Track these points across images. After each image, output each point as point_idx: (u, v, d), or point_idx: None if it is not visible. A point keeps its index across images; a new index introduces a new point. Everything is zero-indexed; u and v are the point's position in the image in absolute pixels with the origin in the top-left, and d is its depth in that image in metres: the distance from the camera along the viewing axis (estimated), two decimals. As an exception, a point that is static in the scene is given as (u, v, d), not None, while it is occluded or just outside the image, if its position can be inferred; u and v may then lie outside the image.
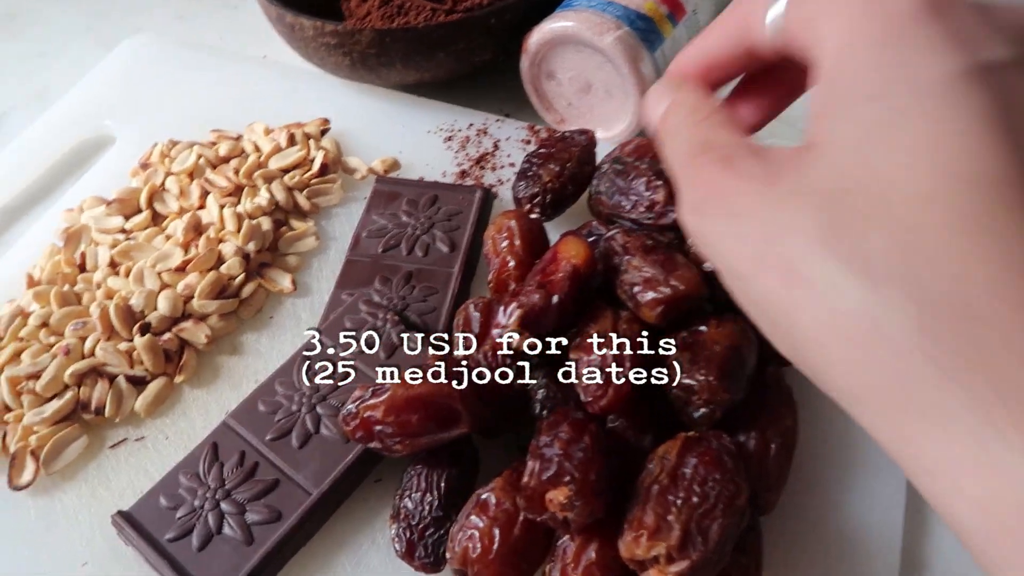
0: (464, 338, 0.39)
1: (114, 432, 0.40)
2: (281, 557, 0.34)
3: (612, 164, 0.43)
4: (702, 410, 0.34)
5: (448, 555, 0.33)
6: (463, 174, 0.51)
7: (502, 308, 0.36)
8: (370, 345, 0.40)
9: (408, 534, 0.34)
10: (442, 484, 0.34)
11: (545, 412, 0.36)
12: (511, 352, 0.36)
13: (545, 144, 0.48)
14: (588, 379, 0.34)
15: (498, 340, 0.36)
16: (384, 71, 0.53)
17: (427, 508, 0.34)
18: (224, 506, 0.35)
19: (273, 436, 0.37)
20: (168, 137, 0.53)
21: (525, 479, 0.31)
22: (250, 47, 0.64)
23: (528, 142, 0.53)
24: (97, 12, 0.70)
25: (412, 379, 0.35)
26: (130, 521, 0.35)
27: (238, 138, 0.52)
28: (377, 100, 0.55)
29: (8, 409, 0.39)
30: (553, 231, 0.44)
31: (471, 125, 0.54)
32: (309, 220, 0.48)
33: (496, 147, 0.52)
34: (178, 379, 0.41)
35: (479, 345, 0.38)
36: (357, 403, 0.35)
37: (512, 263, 0.42)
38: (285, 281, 0.45)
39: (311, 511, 0.35)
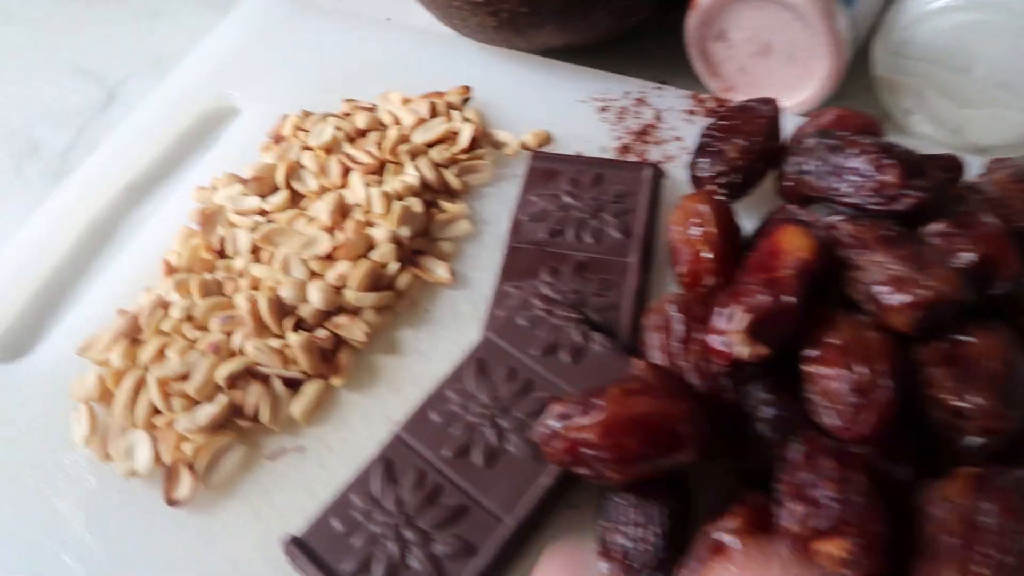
0: (661, 343, 0.34)
1: (270, 441, 0.36)
2: None
3: (820, 139, 0.37)
4: (979, 440, 0.29)
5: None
6: (625, 149, 0.45)
7: (721, 310, 0.31)
8: (552, 348, 0.36)
9: None
10: (665, 520, 0.30)
11: (777, 435, 0.31)
12: (734, 363, 0.31)
13: (723, 116, 0.42)
14: (836, 399, 0.29)
15: (720, 348, 0.31)
16: (532, 32, 0.47)
17: (649, 548, 0.29)
18: (407, 534, 0.31)
19: (452, 453, 0.33)
20: (296, 107, 0.48)
21: (787, 524, 0.26)
22: (372, 9, 0.59)
23: (693, 113, 0.47)
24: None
25: (628, 395, 0.30)
26: (304, 548, 0.31)
27: (372, 108, 0.48)
28: (520, 66, 0.50)
29: (156, 412, 0.36)
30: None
31: (627, 94, 0.48)
32: (460, 201, 0.44)
33: (658, 119, 0.47)
34: (335, 381, 0.37)
35: (684, 352, 0.34)
36: (561, 422, 0.30)
37: (709, 254, 0.37)
38: (442, 270, 0.41)
39: (508, 543, 0.31)
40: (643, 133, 0.46)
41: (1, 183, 0.50)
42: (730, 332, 0.31)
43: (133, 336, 0.39)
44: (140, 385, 0.37)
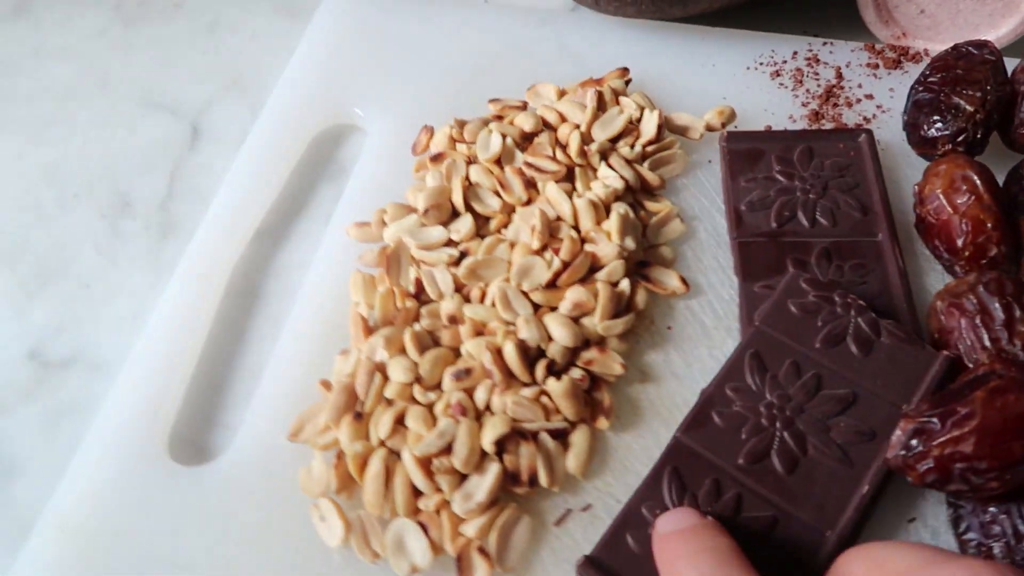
0: (974, 329, 0.31)
1: (550, 504, 0.32)
2: (887, 482, 0.28)
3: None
4: None
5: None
6: (816, 116, 0.42)
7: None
8: (837, 339, 0.32)
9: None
10: None
11: None
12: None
13: (937, 66, 0.39)
14: None
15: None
16: (692, -4, 0.42)
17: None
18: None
19: (747, 460, 0.30)
20: (423, 116, 0.43)
21: None
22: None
23: (875, 66, 0.43)
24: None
25: (996, 394, 0.27)
26: (600, 568, 0.28)
27: (523, 106, 0.43)
28: (669, 39, 0.45)
29: (417, 495, 0.31)
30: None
31: (795, 54, 0.44)
32: (662, 199, 0.39)
33: (839, 77, 0.43)
34: (602, 424, 0.33)
35: (1010, 337, 0.30)
36: (921, 439, 0.27)
37: (989, 223, 0.33)
38: (673, 280, 0.36)
39: (832, 559, 0.27)
40: (829, 96, 0.42)
41: (102, 251, 0.43)
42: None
43: (354, 409, 0.33)
44: (388, 467, 0.32)
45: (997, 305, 0.31)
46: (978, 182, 0.34)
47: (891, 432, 0.29)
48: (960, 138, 0.37)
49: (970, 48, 0.38)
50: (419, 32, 0.48)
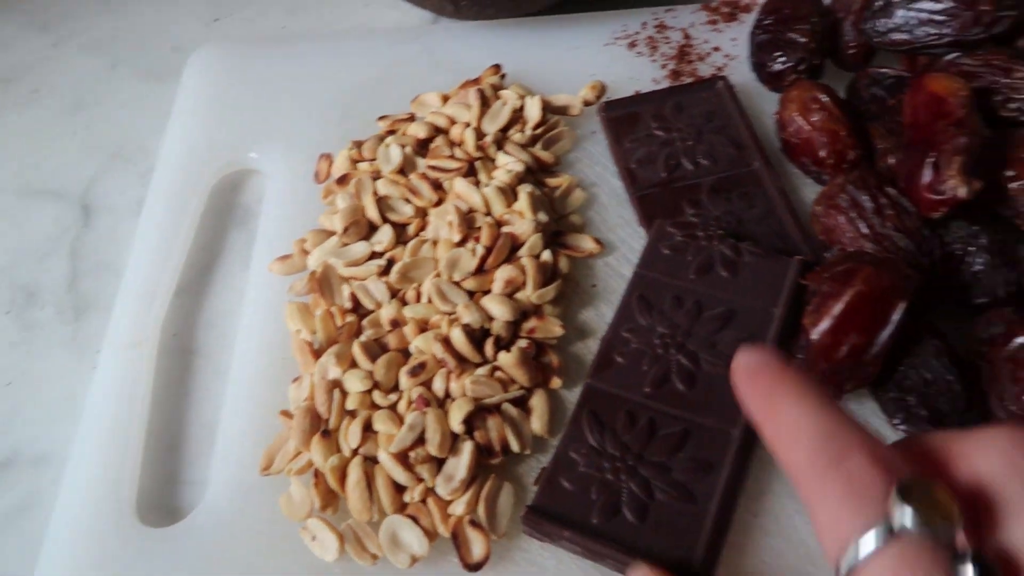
0: (852, 223, 0.35)
1: (526, 466, 0.34)
2: (730, 508, 0.30)
3: (889, -5, 0.39)
4: None
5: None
6: (675, 74, 0.46)
7: (926, 163, 0.33)
8: (707, 267, 0.36)
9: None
10: (946, 362, 0.31)
11: (997, 259, 0.33)
12: (952, 206, 0.32)
13: (767, 9, 0.44)
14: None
15: (937, 198, 0.32)
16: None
17: (950, 396, 0.31)
18: (643, 471, 0.31)
19: (651, 387, 0.33)
20: (315, 147, 0.44)
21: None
22: (323, 23, 0.55)
23: (715, 22, 0.48)
24: (99, 47, 0.57)
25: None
26: (547, 514, 0.30)
27: (411, 117, 0.45)
28: (531, 31, 0.49)
29: (400, 491, 0.32)
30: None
31: (644, 25, 0.48)
32: (560, 174, 0.42)
33: (687, 37, 0.47)
34: (555, 384, 0.35)
35: (882, 221, 0.35)
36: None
37: (842, 132, 0.38)
38: (588, 243, 0.39)
39: (742, 451, 0.31)
40: (682, 55, 0.46)
41: (16, 345, 0.42)
42: (946, 178, 0.32)
43: (320, 429, 0.34)
44: (367, 472, 0.33)
45: (865, 197, 0.35)
46: (826, 99, 0.39)
47: (767, 334, 0.33)
48: (801, 67, 0.41)
49: (789, -11, 0.44)
50: (293, 70, 0.49)
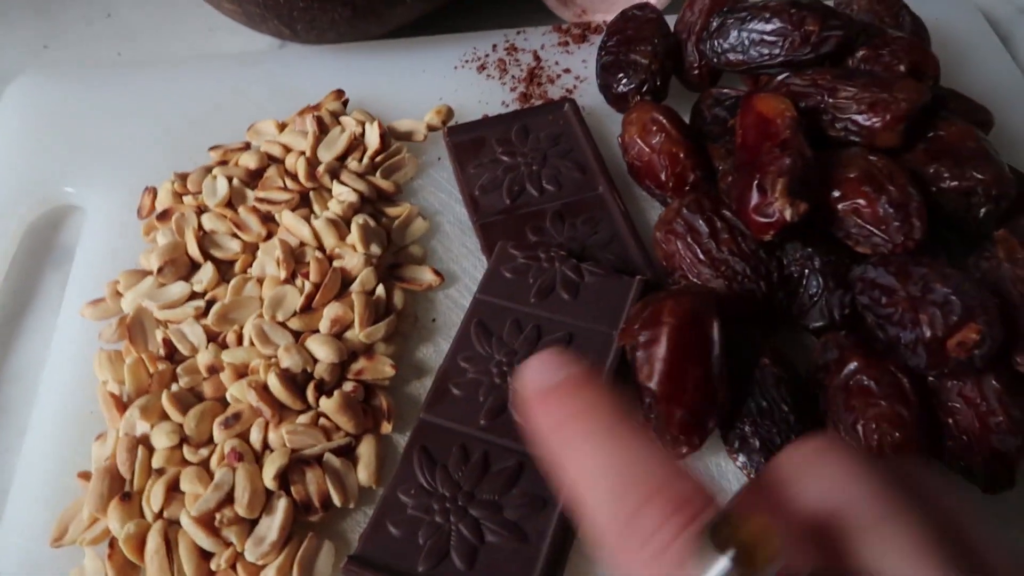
0: (688, 247, 0.34)
1: (351, 521, 0.31)
2: (565, 546, 0.29)
3: (726, 17, 0.39)
4: (991, 206, 0.32)
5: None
6: (524, 97, 0.44)
7: (753, 185, 0.32)
8: (548, 290, 0.34)
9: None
10: (783, 391, 0.30)
11: (830, 280, 0.33)
12: (781, 228, 0.32)
13: (611, 31, 0.43)
14: (878, 221, 0.32)
15: (764, 220, 0.32)
16: (389, 11, 0.44)
17: (783, 426, 0.30)
18: (474, 512, 0.29)
19: (488, 418, 0.31)
20: (140, 181, 0.41)
21: (926, 333, 0.28)
22: (163, 51, 0.51)
23: (566, 44, 0.47)
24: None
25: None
26: (370, 564, 0.28)
27: (246, 146, 0.42)
28: (377, 54, 0.47)
29: (207, 557, 0.29)
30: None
31: (495, 47, 0.47)
32: (401, 202, 0.40)
33: (537, 59, 0.46)
34: (386, 428, 0.33)
35: (717, 245, 0.34)
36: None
37: (681, 154, 0.37)
38: (427, 275, 0.37)
39: None
40: (532, 77, 0.45)
41: None
42: (772, 200, 0.31)
43: (120, 491, 0.31)
44: (169, 539, 0.29)
45: (700, 222, 0.34)
46: (665, 121, 0.38)
47: (607, 356, 0.32)
48: (644, 88, 0.41)
49: (635, 11, 0.43)
50: (123, 99, 0.46)
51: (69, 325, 0.37)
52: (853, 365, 0.30)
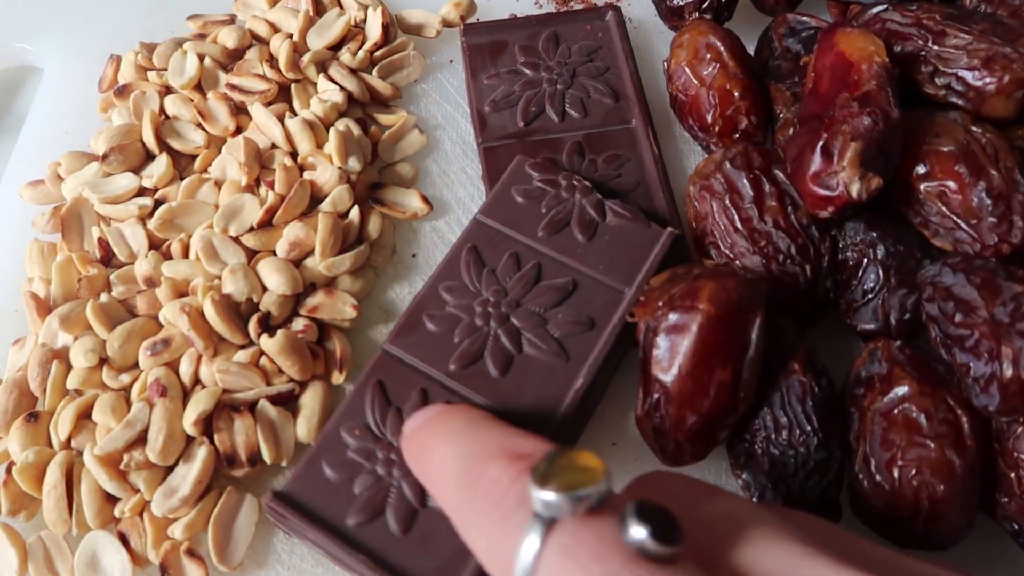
0: (724, 209, 0.28)
1: (284, 479, 0.27)
2: None
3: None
4: None
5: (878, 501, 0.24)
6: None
7: (817, 146, 0.25)
8: (561, 225, 0.29)
9: (782, 489, 0.25)
10: (809, 406, 0.24)
11: (894, 276, 0.27)
12: (844, 207, 0.25)
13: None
14: (970, 214, 0.25)
15: (827, 194, 0.25)
16: None
17: (802, 449, 0.24)
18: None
19: (459, 364, 0.26)
20: (114, 46, 0.35)
21: (1007, 372, 0.22)
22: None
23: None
24: None
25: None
26: (296, 506, 0.23)
27: (230, 20, 0.36)
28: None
29: (109, 500, 0.26)
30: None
31: (536, -70, 0.39)
32: (397, 109, 0.34)
33: (586, -47, 0.39)
34: (336, 379, 0.28)
35: (760, 213, 0.28)
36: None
37: (736, 92, 0.30)
38: (414, 201, 0.32)
39: None
40: (577, -26, 0.38)
41: None
42: (837, 169, 0.25)
43: (27, 410, 0.27)
44: (72, 473, 0.26)
45: (745, 181, 0.28)
46: (722, 48, 0.31)
47: (610, 319, 0.26)
48: (705, 4, 0.33)
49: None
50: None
51: (6, 205, 0.32)
52: (903, 389, 0.24)
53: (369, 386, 0.26)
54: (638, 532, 0.15)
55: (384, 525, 0.23)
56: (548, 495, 0.16)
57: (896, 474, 0.23)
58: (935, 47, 0.27)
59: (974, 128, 0.26)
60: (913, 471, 0.23)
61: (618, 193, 0.31)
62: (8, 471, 0.26)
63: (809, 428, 0.25)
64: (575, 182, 0.29)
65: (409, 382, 0.26)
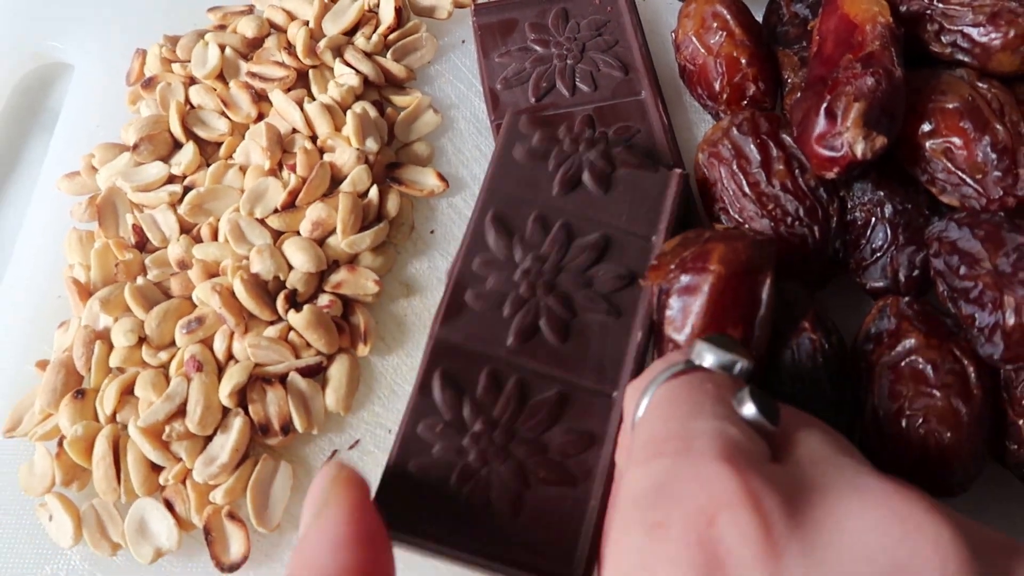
0: (732, 174, 0.29)
1: (315, 447, 0.29)
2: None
3: None
4: None
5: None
6: (573, -26, 0.38)
7: (821, 108, 0.26)
8: (574, 181, 0.28)
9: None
10: (819, 363, 0.25)
11: (902, 233, 0.27)
12: (849, 166, 0.26)
13: None
14: (975, 168, 0.25)
15: (831, 155, 0.26)
16: None
17: (812, 406, 0.25)
18: (516, 451, 0.24)
19: (517, 339, 0.26)
20: (141, 39, 0.37)
21: (1009, 320, 0.22)
22: None
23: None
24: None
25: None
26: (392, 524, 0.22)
27: (249, 10, 0.37)
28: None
29: (155, 470, 0.27)
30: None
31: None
32: (412, 91, 0.35)
33: (595, -73, 0.39)
34: (361, 351, 0.30)
35: (768, 177, 0.28)
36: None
37: (743, 59, 0.31)
38: (430, 179, 0.33)
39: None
40: (586, -50, 0.38)
41: None
42: (841, 130, 0.25)
43: (75, 388, 0.29)
44: (119, 445, 0.27)
45: (752, 146, 0.29)
46: (728, 17, 0.31)
47: (646, 269, 0.27)
48: (713, -29, 0.34)
49: None
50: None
51: (45, 197, 0.34)
52: (910, 341, 0.25)
53: (435, 376, 0.25)
54: (748, 409, 0.19)
55: (493, 514, 0.23)
56: (703, 347, 0.21)
57: (904, 424, 0.24)
58: (940, 5, 0.27)
59: (980, 84, 0.26)
60: (920, 420, 0.24)
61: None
62: (60, 445, 0.28)
63: (819, 384, 0.25)
64: (575, 135, 0.29)
65: (472, 366, 0.25)
